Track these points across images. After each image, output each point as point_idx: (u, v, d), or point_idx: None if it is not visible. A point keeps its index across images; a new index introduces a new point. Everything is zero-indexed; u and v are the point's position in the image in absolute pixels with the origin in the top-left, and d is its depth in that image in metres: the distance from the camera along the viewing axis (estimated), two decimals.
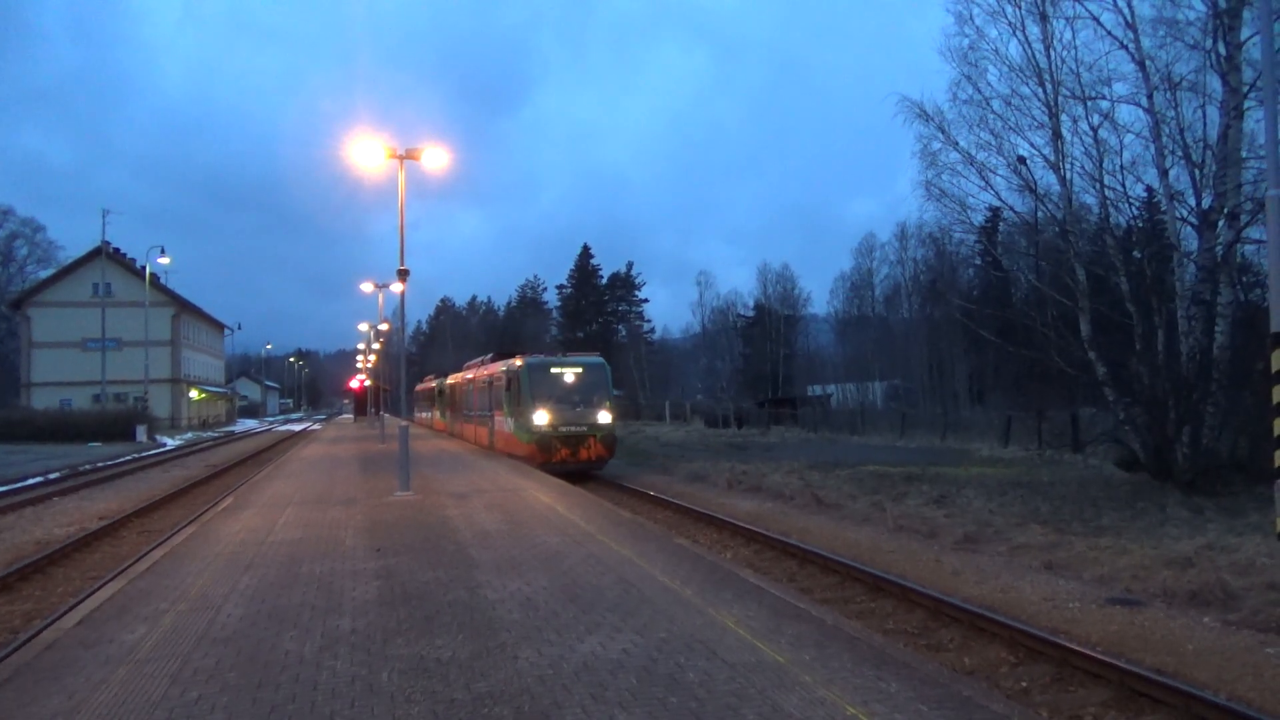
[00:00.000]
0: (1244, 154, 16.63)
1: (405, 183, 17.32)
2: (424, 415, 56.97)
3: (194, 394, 70.14)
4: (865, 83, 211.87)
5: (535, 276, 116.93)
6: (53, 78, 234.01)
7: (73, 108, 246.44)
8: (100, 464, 29.10)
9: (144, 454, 34.71)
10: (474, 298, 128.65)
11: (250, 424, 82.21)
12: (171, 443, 43.95)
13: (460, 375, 37.13)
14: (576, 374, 22.52)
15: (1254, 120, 16.27)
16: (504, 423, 24.63)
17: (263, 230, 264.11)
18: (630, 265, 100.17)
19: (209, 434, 57.41)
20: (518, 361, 23.04)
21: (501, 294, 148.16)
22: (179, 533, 12.02)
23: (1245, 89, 16.15)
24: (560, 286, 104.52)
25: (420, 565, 8.98)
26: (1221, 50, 16.40)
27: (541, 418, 21.43)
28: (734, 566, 8.64)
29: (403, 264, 17.40)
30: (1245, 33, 16.32)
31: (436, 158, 17.19)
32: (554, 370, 22.47)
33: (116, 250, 60.40)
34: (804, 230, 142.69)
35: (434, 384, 51.39)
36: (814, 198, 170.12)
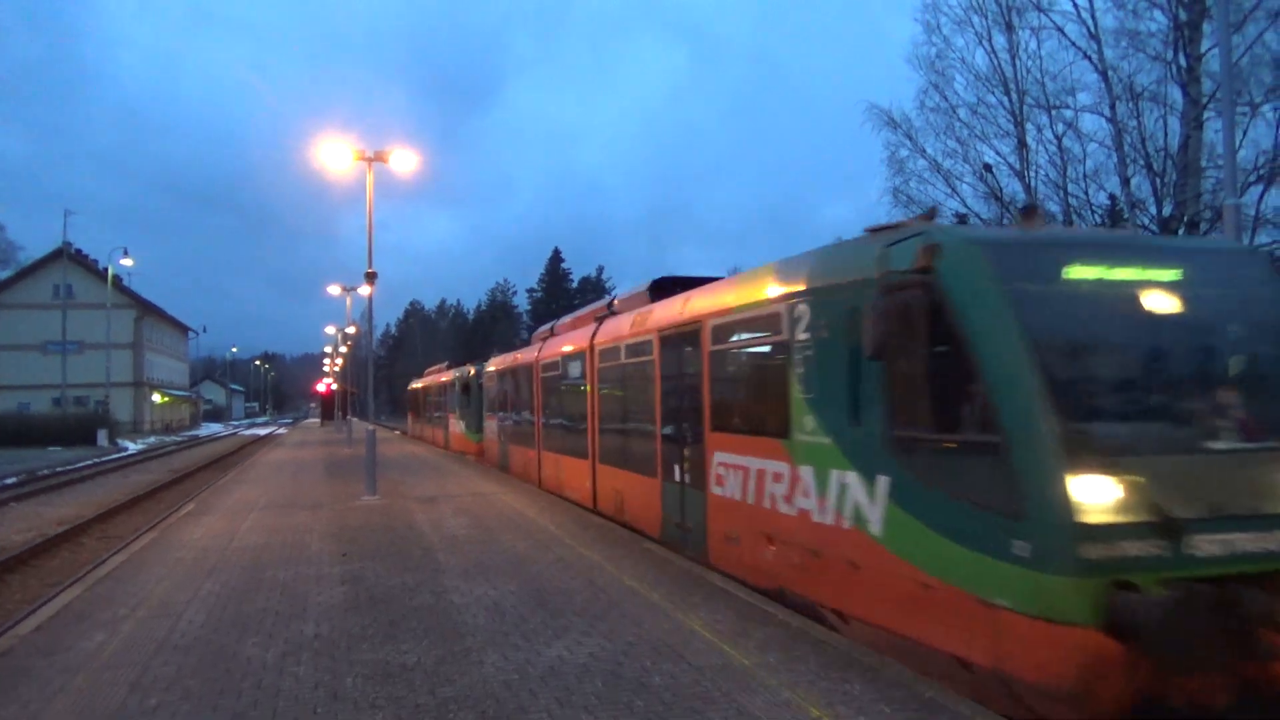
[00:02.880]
0: (1204, 163, 17.04)
1: (374, 184, 17.19)
2: (430, 427, 37.57)
3: (157, 398, 68.96)
4: (841, 86, 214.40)
5: (505, 280, 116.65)
6: (6, 70, 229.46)
7: (29, 102, 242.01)
8: (60, 469, 28.49)
9: (105, 459, 34.04)
10: (443, 301, 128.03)
11: (215, 428, 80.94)
12: (134, 447, 43.13)
13: (542, 349, 16.38)
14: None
15: (1213, 130, 16.69)
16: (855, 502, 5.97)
17: (228, 230, 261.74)
18: (601, 269, 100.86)
19: (172, 438, 56.47)
20: (949, 241, 5.24)
21: (471, 297, 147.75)
22: (140, 538, 11.80)
23: (1205, 100, 16.54)
24: (530, 290, 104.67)
25: (386, 570, 8.90)
26: (1182, 62, 16.78)
27: (1101, 495, 4.29)
28: (702, 570, 8.64)
29: (370, 267, 17.25)
30: (1205, 45, 16.72)
31: (405, 160, 17.07)
32: (1116, 275, 5.20)
33: (78, 251, 59.23)
34: (777, 234, 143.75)
35: (452, 376, 29.54)
36: (788, 201, 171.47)
